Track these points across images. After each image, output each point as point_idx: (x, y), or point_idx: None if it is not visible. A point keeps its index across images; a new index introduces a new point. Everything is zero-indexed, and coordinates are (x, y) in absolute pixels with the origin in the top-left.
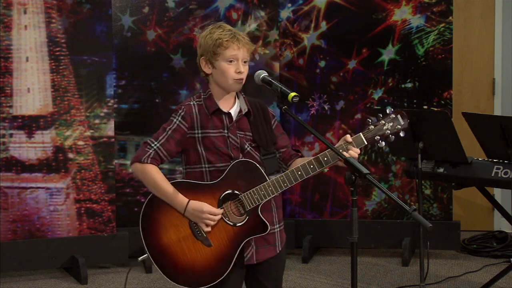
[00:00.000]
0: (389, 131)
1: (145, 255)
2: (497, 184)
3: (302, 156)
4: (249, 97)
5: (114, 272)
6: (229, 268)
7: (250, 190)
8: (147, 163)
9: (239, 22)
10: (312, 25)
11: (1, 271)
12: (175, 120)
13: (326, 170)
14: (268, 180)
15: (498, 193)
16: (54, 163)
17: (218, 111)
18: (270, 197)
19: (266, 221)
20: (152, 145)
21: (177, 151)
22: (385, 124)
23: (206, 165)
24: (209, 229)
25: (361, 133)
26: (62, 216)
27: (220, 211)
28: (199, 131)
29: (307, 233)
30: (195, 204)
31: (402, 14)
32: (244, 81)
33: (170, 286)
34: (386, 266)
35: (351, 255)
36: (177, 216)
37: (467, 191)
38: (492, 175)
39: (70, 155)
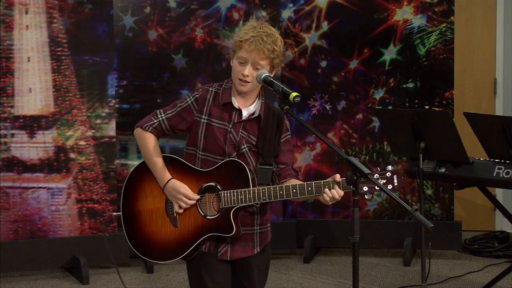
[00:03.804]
0: (378, 188)
1: (120, 212)
2: (498, 184)
3: (298, 179)
4: (270, 104)
5: (115, 272)
6: (184, 254)
7: (231, 191)
8: (147, 131)
9: (241, 22)
10: (314, 25)
11: (2, 271)
12: (188, 99)
13: (310, 201)
14: (251, 188)
15: (499, 193)
16: (56, 163)
17: (230, 105)
18: (246, 204)
19: (234, 225)
20: (159, 116)
21: (180, 128)
22: (378, 179)
23: (200, 152)
24: (180, 210)
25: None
26: (64, 216)
27: (196, 197)
28: (205, 117)
29: (309, 233)
30: (175, 183)
31: (404, 14)
32: (249, 85)
33: (172, 287)
34: (387, 266)
35: (353, 255)
36: (158, 187)
37: (468, 191)
38: (494, 175)
39: (72, 155)
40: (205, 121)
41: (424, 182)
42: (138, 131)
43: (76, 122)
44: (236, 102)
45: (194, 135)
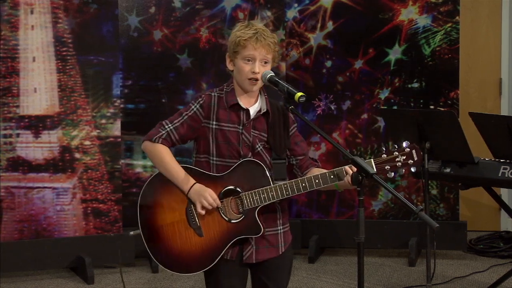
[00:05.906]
0: (400, 164)
1: (137, 230)
2: (503, 184)
3: (319, 167)
4: (272, 100)
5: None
6: (214, 262)
7: (252, 191)
8: (157, 143)
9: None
10: (319, 25)
11: (7, 270)
12: (193, 107)
13: (340, 190)
14: (272, 185)
15: (504, 193)
16: (61, 163)
17: (237, 106)
18: (270, 202)
19: (261, 224)
20: (166, 126)
21: (189, 137)
22: (398, 156)
23: (214, 158)
24: (203, 211)
25: (372, 159)
26: (69, 216)
27: (218, 202)
28: (214, 123)
29: (314, 233)
30: (201, 186)
31: (409, 14)
32: (259, 82)
33: (176, 286)
34: (392, 266)
35: (358, 255)
36: (176, 199)
37: (473, 191)
38: (499, 175)
39: (77, 155)
40: (214, 126)
41: (429, 182)
42: (147, 144)
43: (81, 122)
44: (242, 102)
45: (204, 142)
